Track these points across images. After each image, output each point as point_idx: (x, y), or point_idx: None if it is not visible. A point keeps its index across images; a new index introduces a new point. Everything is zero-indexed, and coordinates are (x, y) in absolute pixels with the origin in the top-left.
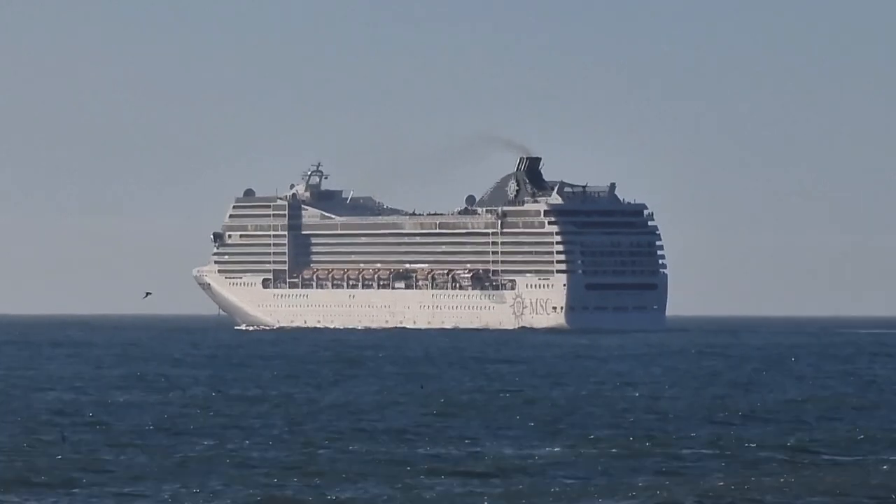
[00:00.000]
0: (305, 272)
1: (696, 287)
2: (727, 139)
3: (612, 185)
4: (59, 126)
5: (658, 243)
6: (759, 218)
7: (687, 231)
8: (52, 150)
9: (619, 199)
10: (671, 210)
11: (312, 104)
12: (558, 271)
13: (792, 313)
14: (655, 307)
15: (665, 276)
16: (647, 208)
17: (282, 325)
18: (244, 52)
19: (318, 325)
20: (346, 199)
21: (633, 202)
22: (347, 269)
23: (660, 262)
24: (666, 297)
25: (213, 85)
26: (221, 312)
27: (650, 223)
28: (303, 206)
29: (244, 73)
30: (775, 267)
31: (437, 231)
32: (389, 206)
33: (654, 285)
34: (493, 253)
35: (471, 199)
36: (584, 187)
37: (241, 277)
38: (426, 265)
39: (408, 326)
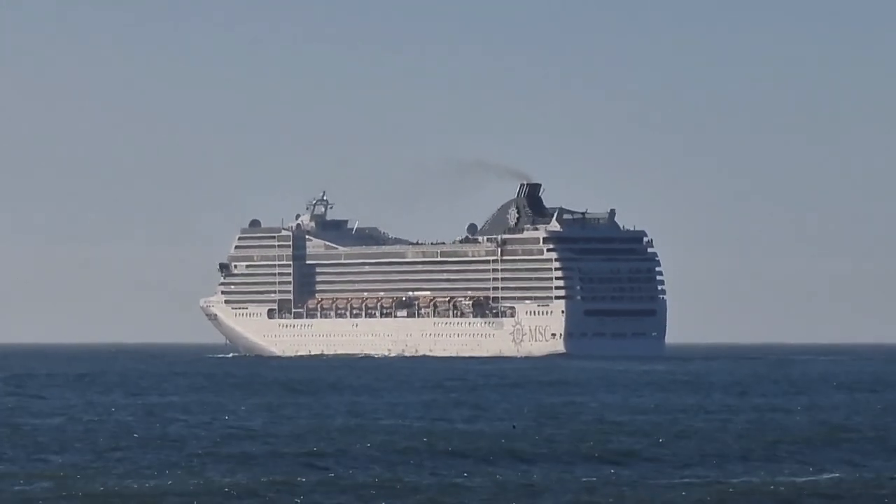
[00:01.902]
0: (310, 302)
1: (697, 314)
2: (727, 166)
3: (612, 212)
4: (63, 154)
5: (657, 269)
6: (760, 243)
7: (687, 257)
8: (56, 180)
9: (618, 226)
10: (671, 236)
11: (314, 133)
12: (557, 297)
13: (793, 340)
14: (654, 333)
15: (664, 302)
16: (646, 235)
17: (286, 354)
18: (247, 82)
19: (322, 353)
20: (352, 229)
21: (632, 228)
22: (351, 299)
23: (659, 287)
24: (665, 324)
25: (218, 115)
26: (228, 342)
27: (650, 250)
28: (307, 236)
29: (248, 103)
30: (777, 292)
31: (439, 259)
32: (394, 236)
33: (653, 311)
34: (494, 280)
35: (472, 228)
36: (583, 214)
37: (246, 308)
38: (428, 293)
39: (408, 354)
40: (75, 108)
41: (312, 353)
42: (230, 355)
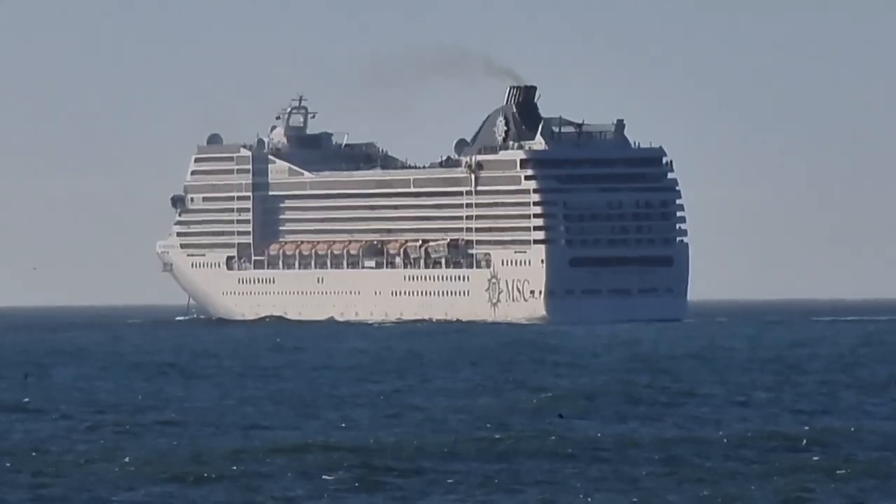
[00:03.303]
0: (272, 246)
1: (728, 262)
2: (772, 67)
3: (620, 123)
4: None
5: (678, 202)
6: (813, 169)
7: (716, 186)
8: None
9: (628, 142)
10: (696, 158)
11: (285, 29)
12: (536, 242)
13: (843, 295)
14: (672, 289)
15: (686, 246)
16: (665, 154)
17: (247, 316)
18: None
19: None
20: (340, 145)
21: (646, 146)
22: (317, 243)
23: (678, 226)
24: (687, 275)
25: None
26: (192, 302)
27: (669, 175)
28: (272, 156)
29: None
30: (830, 236)
31: (412, 190)
32: (392, 154)
33: (670, 259)
34: (468, 218)
35: (461, 144)
36: (579, 126)
37: (203, 254)
38: (399, 238)
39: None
40: None
41: (275, 314)
42: (189, 317)
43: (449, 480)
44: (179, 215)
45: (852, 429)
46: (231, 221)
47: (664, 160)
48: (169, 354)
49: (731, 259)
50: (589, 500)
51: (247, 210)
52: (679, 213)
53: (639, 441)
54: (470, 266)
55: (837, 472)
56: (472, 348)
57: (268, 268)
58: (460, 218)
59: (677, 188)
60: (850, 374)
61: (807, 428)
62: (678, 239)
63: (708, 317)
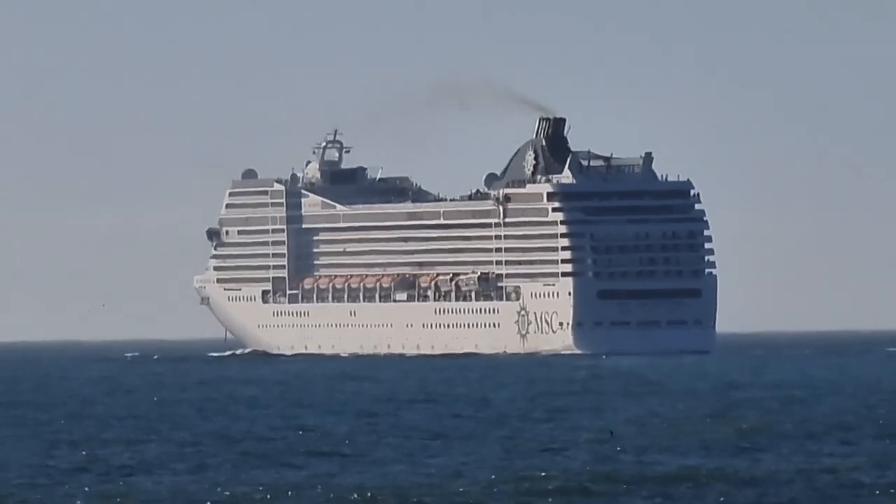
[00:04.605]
0: (306, 280)
1: (755, 295)
2: (802, 101)
3: (648, 156)
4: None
5: (706, 233)
6: (841, 201)
7: (744, 218)
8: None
9: (655, 175)
10: (723, 190)
11: (319, 63)
12: (564, 274)
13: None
14: (700, 321)
15: (714, 278)
16: (693, 187)
17: (282, 350)
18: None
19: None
20: (374, 179)
21: (675, 179)
22: (350, 276)
23: (706, 258)
24: (715, 308)
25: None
26: (229, 335)
27: (697, 206)
28: (305, 191)
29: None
30: (861, 268)
31: (442, 223)
32: (424, 188)
33: (699, 291)
34: (497, 251)
35: (491, 178)
36: (607, 159)
37: (240, 289)
38: (430, 271)
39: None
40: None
41: (309, 349)
42: (227, 353)
43: None
44: (215, 249)
45: None
46: (266, 255)
47: (692, 192)
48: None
49: (759, 291)
50: None
51: (281, 244)
52: (707, 245)
53: None
54: (500, 299)
55: None
56: None
57: (302, 301)
58: (490, 251)
59: (705, 219)
60: None
61: None
62: (706, 271)
63: (739, 349)
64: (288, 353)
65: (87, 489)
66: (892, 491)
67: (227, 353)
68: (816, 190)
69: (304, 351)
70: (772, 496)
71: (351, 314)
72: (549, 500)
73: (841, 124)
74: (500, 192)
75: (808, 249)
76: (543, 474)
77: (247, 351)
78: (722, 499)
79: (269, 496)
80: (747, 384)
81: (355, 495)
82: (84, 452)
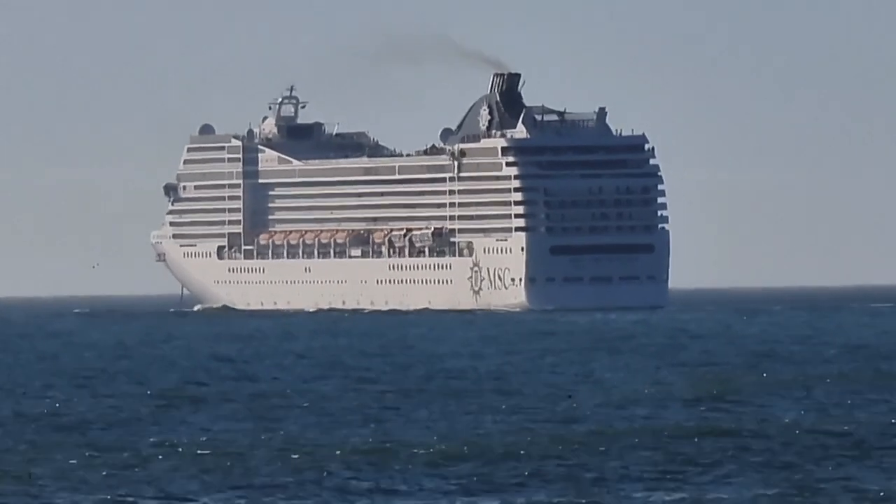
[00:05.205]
0: (262, 236)
1: (709, 250)
2: (754, 55)
3: (601, 112)
4: None
5: (659, 187)
6: (795, 155)
7: (698, 173)
8: None
9: (609, 130)
10: (677, 145)
11: (276, 19)
12: (517, 229)
13: (833, 282)
14: (652, 276)
15: (667, 233)
16: (647, 142)
17: (235, 306)
18: None
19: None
20: (331, 134)
21: (629, 134)
22: (304, 232)
23: (659, 213)
24: (668, 263)
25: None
26: (185, 292)
27: (651, 161)
28: (262, 146)
29: None
30: (814, 219)
31: (397, 177)
32: (382, 143)
33: (651, 246)
34: (451, 206)
35: (446, 133)
36: (561, 114)
37: (195, 244)
38: (384, 226)
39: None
40: None
41: (264, 305)
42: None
43: None
44: (172, 205)
45: None
46: (222, 210)
47: (646, 147)
48: None
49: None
50: None
51: (237, 199)
52: (660, 200)
53: None
54: (453, 254)
55: None
56: None
57: (257, 257)
58: (444, 206)
59: (659, 174)
60: None
61: None
62: (660, 226)
63: (691, 304)
64: (243, 308)
65: None
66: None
67: (197, 307)
68: (770, 145)
69: (260, 307)
70: None
71: (306, 270)
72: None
73: (796, 79)
74: (455, 147)
75: (761, 204)
76: None
77: (216, 306)
78: None
79: None
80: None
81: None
82: None
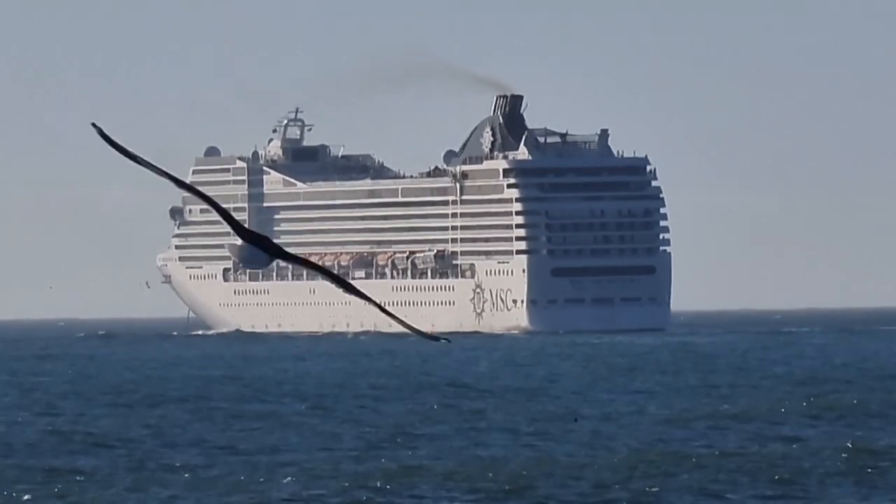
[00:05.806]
0: None
1: (711, 273)
2: (757, 78)
3: (604, 133)
4: None
5: (661, 210)
6: (797, 178)
7: (700, 195)
8: None
9: (611, 152)
10: (680, 168)
11: (283, 42)
12: (518, 252)
13: (836, 304)
14: (654, 298)
15: (669, 255)
16: (649, 164)
17: (241, 329)
18: None
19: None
20: (336, 156)
21: (631, 156)
22: (309, 255)
23: (661, 236)
24: (669, 285)
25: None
26: (192, 314)
27: (653, 184)
28: (267, 168)
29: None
30: (817, 245)
31: (400, 200)
32: (387, 166)
33: (653, 268)
34: (453, 228)
35: (449, 155)
36: (563, 135)
37: (201, 267)
38: (388, 249)
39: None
40: None
41: (269, 328)
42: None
43: None
44: (178, 227)
45: None
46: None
47: (648, 169)
48: None
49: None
50: None
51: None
52: (662, 223)
53: None
54: (456, 276)
55: None
56: None
57: (262, 279)
58: (446, 228)
59: (660, 196)
60: None
61: None
62: (661, 248)
63: (694, 327)
64: (247, 330)
65: None
66: None
67: (212, 332)
68: (771, 168)
69: (264, 330)
70: None
71: (310, 292)
72: None
73: (798, 102)
74: (458, 168)
75: (763, 227)
76: None
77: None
78: None
79: None
80: None
81: None
82: None
